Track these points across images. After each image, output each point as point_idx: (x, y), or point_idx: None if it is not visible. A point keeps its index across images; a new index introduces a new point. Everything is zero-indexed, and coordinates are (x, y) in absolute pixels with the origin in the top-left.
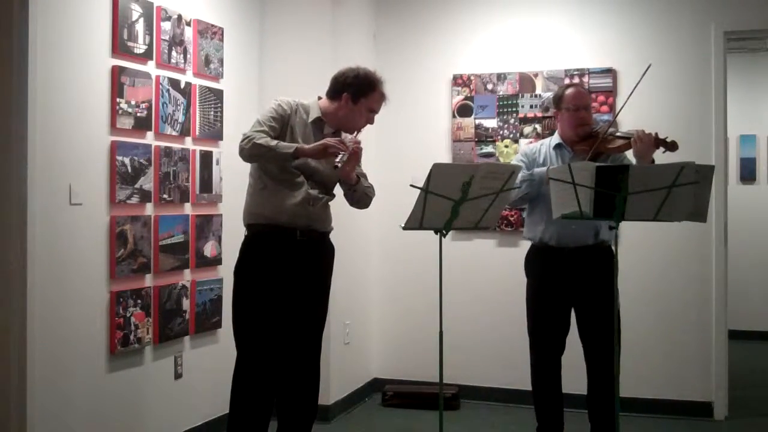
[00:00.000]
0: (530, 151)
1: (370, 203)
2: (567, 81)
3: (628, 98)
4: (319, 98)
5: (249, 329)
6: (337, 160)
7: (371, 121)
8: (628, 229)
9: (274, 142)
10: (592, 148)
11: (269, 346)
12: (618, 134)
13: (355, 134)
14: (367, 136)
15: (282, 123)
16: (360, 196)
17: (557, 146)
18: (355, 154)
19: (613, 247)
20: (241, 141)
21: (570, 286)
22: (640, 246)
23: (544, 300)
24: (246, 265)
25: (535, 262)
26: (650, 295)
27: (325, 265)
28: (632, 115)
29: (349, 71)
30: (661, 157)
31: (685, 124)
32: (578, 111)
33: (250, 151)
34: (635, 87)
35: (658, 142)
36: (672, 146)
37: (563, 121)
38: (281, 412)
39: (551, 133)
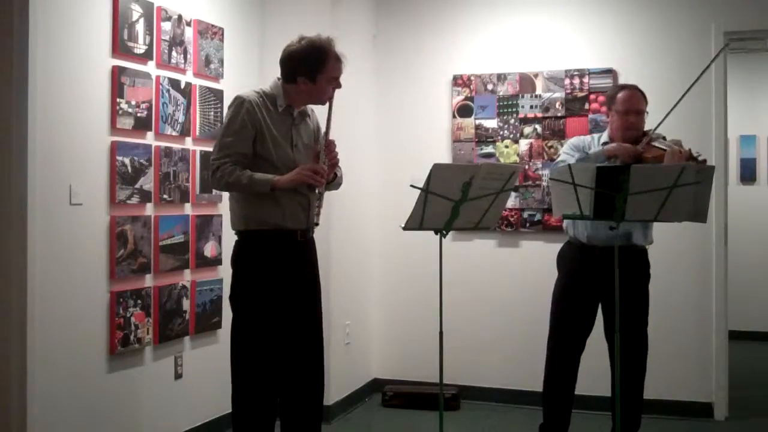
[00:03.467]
0: (580, 143)
1: (340, 186)
2: (567, 82)
3: (688, 89)
4: (279, 81)
5: (256, 341)
6: (317, 193)
7: (338, 86)
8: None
9: (246, 178)
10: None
11: (274, 355)
12: (658, 145)
13: (323, 140)
14: (367, 135)
15: (253, 127)
16: (334, 187)
17: (604, 144)
18: (332, 168)
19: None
20: (212, 171)
21: (599, 285)
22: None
23: (571, 296)
24: (251, 272)
25: (567, 257)
26: (650, 295)
27: (316, 263)
28: None
29: (294, 53)
30: None
31: (685, 125)
32: (628, 115)
33: (223, 188)
34: (706, 68)
35: (690, 159)
36: (703, 163)
37: (613, 122)
38: (285, 415)
39: (552, 134)
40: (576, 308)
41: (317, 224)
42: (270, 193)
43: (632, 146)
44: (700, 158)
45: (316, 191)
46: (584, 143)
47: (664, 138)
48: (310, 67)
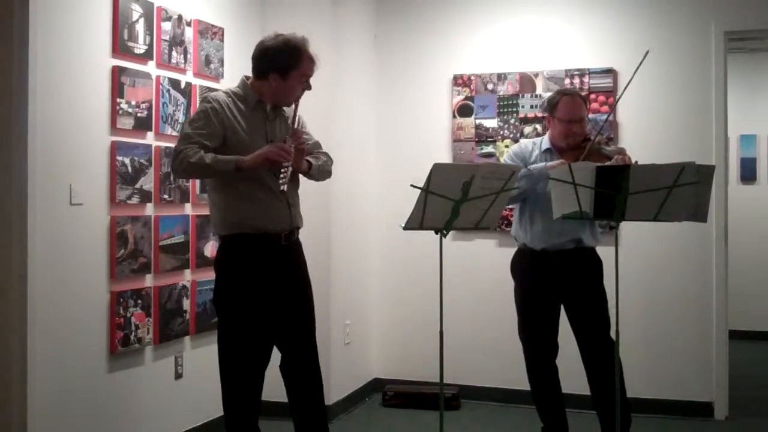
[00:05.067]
0: (520, 151)
1: (331, 174)
2: (567, 82)
3: (624, 90)
4: (247, 78)
5: (239, 347)
6: (281, 180)
7: (308, 88)
8: (627, 230)
9: (209, 158)
10: (578, 158)
11: (258, 360)
12: (604, 150)
13: (295, 123)
14: (367, 134)
15: (220, 125)
16: (318, 176)
17: (546, 150)
18: (300, 153)
19: (614, 248)
20: (173, 159)
21: (555, 287)
22: (640, 246)
23: (531, 301)
24: (234, 277)
25: (520, 264)
26: (650, 295)
27: (304, 265)
28: (632, 115)
29: (269, 49)
30: (663, 156)
31: (685, 124)
32: (571, 124)
33: (185, 171)
34: (632, 76)
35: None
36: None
37: (554, 128)
38: (294, 417)
39: None
40: (538, 313)
41: (284, 190)
42: (250, 194)
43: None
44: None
45: (282, 169)
46: (526, 151)
47: (608, 141)
48: (283, 63)
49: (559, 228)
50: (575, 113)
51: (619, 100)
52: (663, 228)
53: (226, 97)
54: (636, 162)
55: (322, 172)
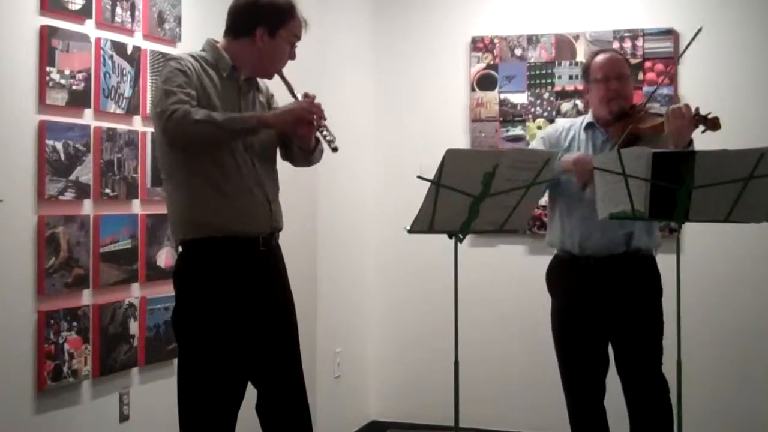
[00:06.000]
0: (553, 132)
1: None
2: (616, 45)
3: (674, 66)
4: (215, 42)
5: (209, 381)
6: (328, 139)
7: (293, 56)
8: (689, 234)
9: (220, 116)
10: (625, 128)
11: (231, 397)
12: (653, 110)
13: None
14: (364, 115)
15: (195, 91)
16: (314, 158)
17: (588, 126)
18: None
19: (675, 256)
20: (167, 120)
21: (601, 309)
22: (705, 255)
23: (571, 327)
24: (200, 293)
25: (557, 278)
26: (717, 317)
27: (286, 276)
28: (692, 88)
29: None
30: (738, 141)
31: (755, 100)
32: (608, 82)
33: (189, 133)
34: (683, 52)
35: (697, 119)
36: (713, 124)
37: (593, 95)
38: None
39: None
40: (580, 342)
41: (336, 147)
42: (220, 189)
43: (590, 156)
44: (710, 116)
45: (321, 132)
46: (557, 133)
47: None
48: (274, 18)
49: (601, 221)
50: (612, 68)
51: (659, 86)
52: (734, 232)
53: (194, 60)
54: (697, 109)
55: (322, 151)
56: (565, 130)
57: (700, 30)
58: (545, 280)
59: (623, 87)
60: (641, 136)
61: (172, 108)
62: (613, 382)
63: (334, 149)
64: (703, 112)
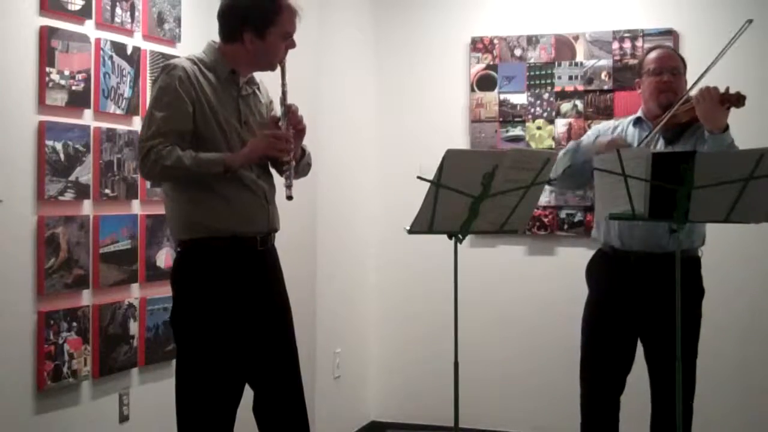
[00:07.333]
0: (603, 128)
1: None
2: (616, 46)
3: (717, 58)
4: (215, 44)
5: (207, 381)
6: (286, 180)
7: (292, 45)
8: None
9: (188, 159)
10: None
11: (230, 398)
12: (688, 97)
13: (286, 96)
14: (364, 115)
15: (190, 102)
16: (306, 170)
17: (637, 122)
18: (300, 135)
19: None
20: (142, 160)
21: (636, 306)
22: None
23: (602, 320)
24: (199, 294)
25: (596, 270)
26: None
27: (282, 277)
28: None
29: (238, 2)
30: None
31: (755, 100)
32: (661, 74)
33: (158, 175)
34: (729, 45)
35: (723, 98)
36: (737, 100)
37: (645, 89)
38: None
39: (596, 112)
40: (609, 337)
41: (290, 196)
42: (219, 190)
43: (624, 140)
44: (732, 92)
45: (284, 166)
46: (609, 128)
47: None
48: (259, 20)
49: None
50: (667, 61)
51: (703, 75)
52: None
53: (191, 64)
54: (727, 89)
55: (309, 164)
56: (613, 127)
57: (750, 21)
58: (585, 272)
59: (676, 81)
60: (684, 125)
61: (147, 145)
62: (631, 382)
63: (289, 197)
64: (723, 91)
